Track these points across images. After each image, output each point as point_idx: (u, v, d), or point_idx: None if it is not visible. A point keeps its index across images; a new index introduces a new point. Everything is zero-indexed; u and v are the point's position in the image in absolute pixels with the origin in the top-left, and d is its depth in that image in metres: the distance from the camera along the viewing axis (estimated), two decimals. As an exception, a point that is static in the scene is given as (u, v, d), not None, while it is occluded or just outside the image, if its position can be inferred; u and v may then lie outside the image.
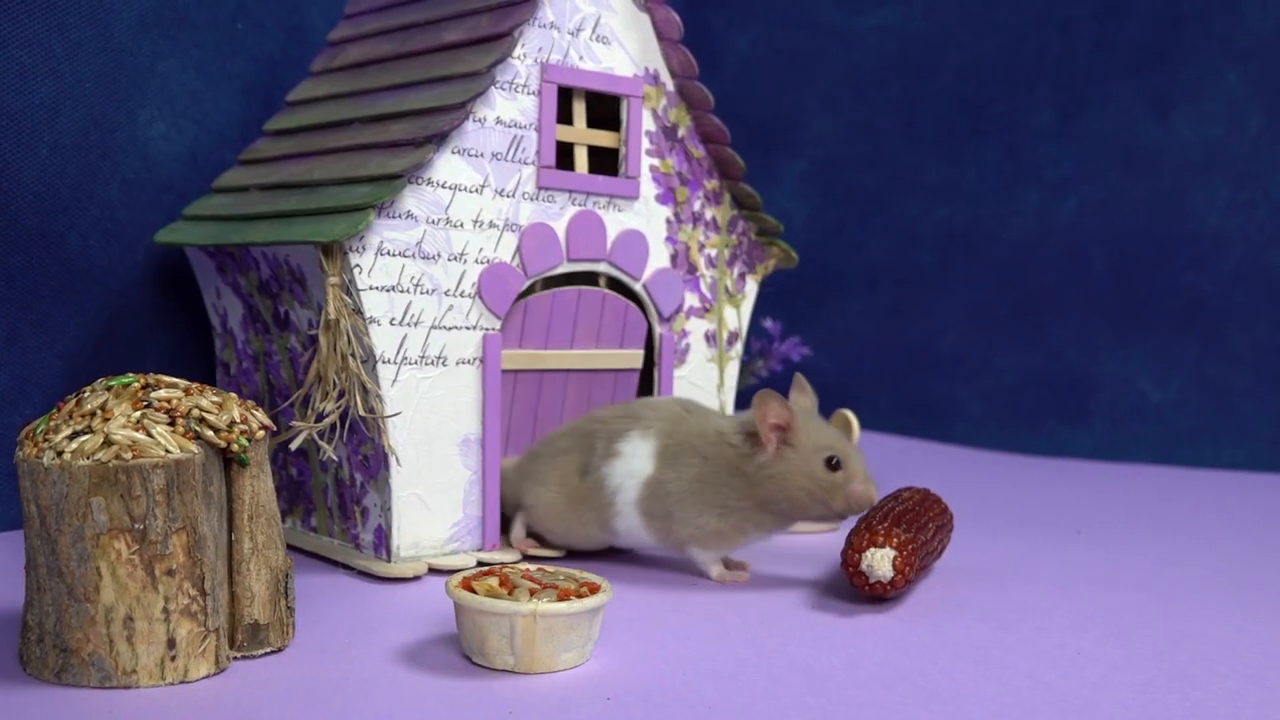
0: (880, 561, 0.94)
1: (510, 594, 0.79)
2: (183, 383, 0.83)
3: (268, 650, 0.82)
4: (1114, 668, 0.83)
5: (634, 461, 1.03)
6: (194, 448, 0.77)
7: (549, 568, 0.87)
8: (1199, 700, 0.77)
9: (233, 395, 0.83)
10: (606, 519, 1.05)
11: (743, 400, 1.20)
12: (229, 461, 0.81)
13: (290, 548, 1.09)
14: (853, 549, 0.96)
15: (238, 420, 0.81)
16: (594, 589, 0.82)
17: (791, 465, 0.98)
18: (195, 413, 0.79)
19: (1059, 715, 0.73)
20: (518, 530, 1.11)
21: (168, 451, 0.76)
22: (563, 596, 0.79)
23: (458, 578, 0.82)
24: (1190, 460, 1.76)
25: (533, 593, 0.79)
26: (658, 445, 1.03)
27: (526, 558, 1.08)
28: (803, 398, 1.03)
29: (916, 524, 1.00)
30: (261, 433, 0.83)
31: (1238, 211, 1.73)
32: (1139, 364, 1.79)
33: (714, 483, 1.01)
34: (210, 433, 0.79)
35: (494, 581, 0.81)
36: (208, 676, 0.77)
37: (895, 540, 0.95)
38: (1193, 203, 1.76)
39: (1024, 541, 1.21)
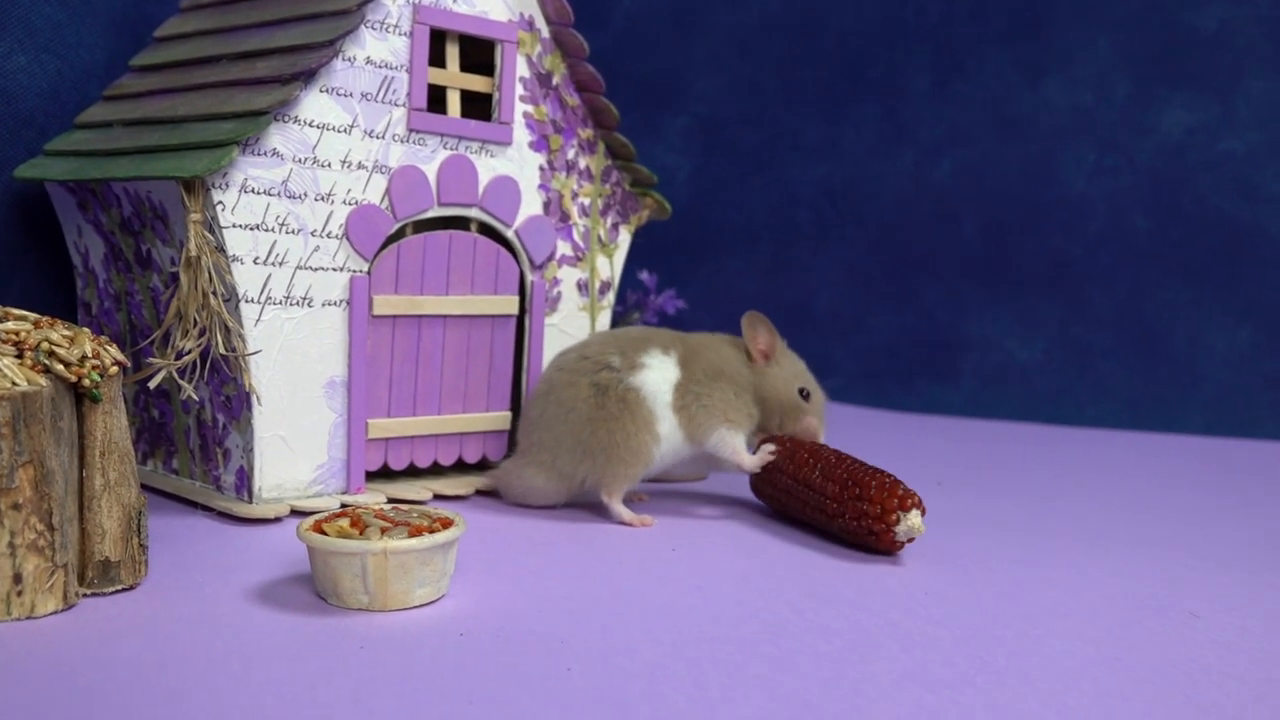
0: (917, 523, 0.97)
1: (362, 534, 0.79)
2: (32, 315, 0.81)
3: (119, 588, 0.81)
4: (957, 606, 0.86)
5: (665, 370, 1.09)
6: (42, 381, 0.76)
7: (404, 506, 0.87)
8: (1035, 637, 0.80)
9: (85, 330, 0.82)
10: (652, 424, 1.08)
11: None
12: (81, 397, 0.79)
13: (152, 490, 1.08)
14: (887, 510, 0.97)
15: (89, 355, 0.79)
16: (446, 524, 0.82)
17: (777, 378, 1.13)
18: (45, 346, 0.78)
19: (901, 649, 0.76)
20: (622, 510, 1.09)
21: (14, 384, 0.74)
22: (414, 533, 0.79)
23: (309, 521, 0.82)
24: (1052, 418, 1.81)
25: (384, 531, 0.79)
26: (679, 355, 1.11)
27: (391, 501, 1.08)
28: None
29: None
30: (114, 368, 0.81)
31: (1103, 176, 1.78)
32: (1006, 324, 1.83)
33: (728, 372, 1.11)
34: (60, 366, 0.77)
35: (345, 522, 0.80)
36: (55, 612, 0.76)
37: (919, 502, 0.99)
38: (1061, 167, 1.80)
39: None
